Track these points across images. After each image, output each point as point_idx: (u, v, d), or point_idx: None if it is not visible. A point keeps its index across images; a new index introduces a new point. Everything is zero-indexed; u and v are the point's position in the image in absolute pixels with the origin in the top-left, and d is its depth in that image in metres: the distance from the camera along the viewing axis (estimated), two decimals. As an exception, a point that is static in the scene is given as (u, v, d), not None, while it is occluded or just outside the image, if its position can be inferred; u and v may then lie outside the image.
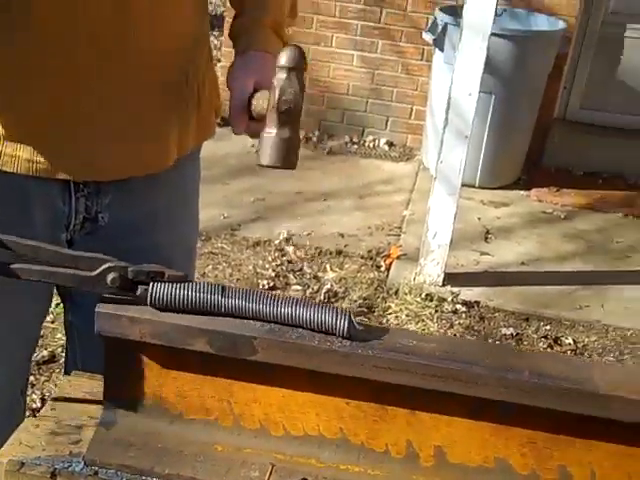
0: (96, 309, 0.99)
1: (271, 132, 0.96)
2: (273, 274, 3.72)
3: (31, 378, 2.81)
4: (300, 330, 0.98)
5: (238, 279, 3.67)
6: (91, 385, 1.17)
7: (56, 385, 2.76)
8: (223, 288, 0.99)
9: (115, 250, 1.31)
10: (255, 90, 1.23)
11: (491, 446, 1.00)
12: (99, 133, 1.26)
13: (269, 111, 0.96)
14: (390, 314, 3.49)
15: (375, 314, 3.50)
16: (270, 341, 0.97)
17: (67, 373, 1.55)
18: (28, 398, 2.64)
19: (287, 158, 0.97)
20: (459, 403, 0.98)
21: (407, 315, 3.47)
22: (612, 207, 4.61)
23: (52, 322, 3.07)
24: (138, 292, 0.99)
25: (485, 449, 1.01)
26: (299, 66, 0.96)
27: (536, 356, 0.99)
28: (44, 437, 1.08)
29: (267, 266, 3.78)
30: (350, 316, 0.98)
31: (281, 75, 0.95)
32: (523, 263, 3.93)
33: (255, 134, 1.24)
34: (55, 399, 1.15)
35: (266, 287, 3.62)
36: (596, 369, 0.97)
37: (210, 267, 3.73)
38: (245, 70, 1.28)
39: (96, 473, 1.02)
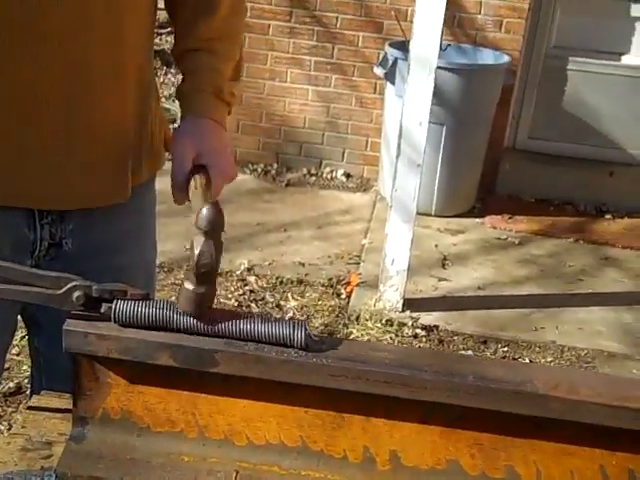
0: (64, 326, 1.03)
1: (189, 287, 1.03)
2: (236, 303, 3.75)
3: (-3, 410, 2.81)
4: (257, 344, 1.03)
5: (201, 309, 3.69)
6: (60, 403, 1.21)
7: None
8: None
9: (79, 272, 1.36)
10: (195, 166, 1.33)
11: (442, 448, 1.06)
12: (66, 166, 1.32)
13: (188, 268, 1.04)
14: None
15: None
16: (230, 354, 1.02)
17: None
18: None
19: (201, 309, 1.04)
20: (410, 409, 1.04)
21: (368, 340, 3.52)
22: (563, 232, 4.72)
23: (17, 354, 3.08)
24: (102, 309, 1.03)
25: (436, 452, 1.06)
26: (217, 227, 1.01)
27: (481, 361, 1.05)
28: (16, 453, 1.11)
29: (230, 296, 3.81)
30: (306, 327, 1.03)
31: (199, 238, 1.01)
32: (480, 288, 4.01)
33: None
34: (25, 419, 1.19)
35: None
36: (536, 371, 1.04)
37: (173, 298, 3.74)
38: (185, 138, 1.36)
39: (67, 486, 1.06)
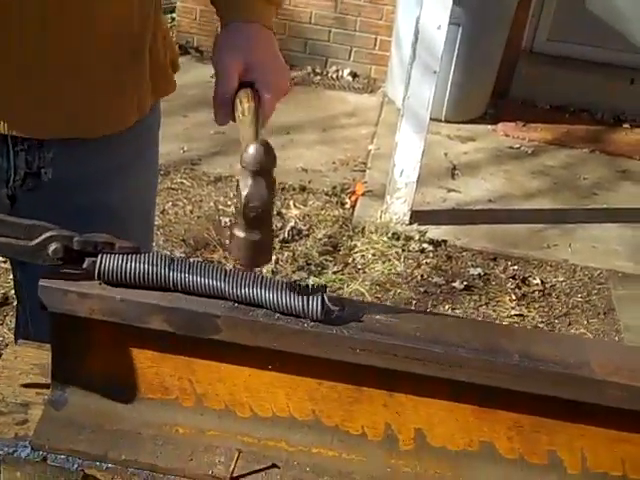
0: (40, 282, 0.89)
1: (239, 235, 0.87)
2: (235, 211, 3.60)
3: (-17, 322, 2.70)
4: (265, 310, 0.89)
5: (199, 216, 3.55)
6: (39, 356, 1.07)
7: (9, 330, 2.65)
8: (182, 262, 0.89)
9: (61, 209, 1.20)
10: (241, 81, 1.11)
11: (475, 429, 0.93)
12: (38, 92, 1.14)
13: (237, 212, 0.88)
14: (356, 253, 3.41)
15: (340, 253, 3.42)
16: (235, 320, 0.88)
17: (17, 337, 1.45)
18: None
19: (255, 259, 0.90)
20: (441, 384, 0.90)
21: (373, 255, 3.39)
22: (578, 142, 4.54)
23: (4, 262, 2.94)
24: (85, 265, 0.88)
25: (469, 432, 0.93)
26: (266, 167, 0.86)
27: (527, 336, 0.91)
28: (-14, 417, 0.98)
29: (229, 202, 3.66)
30: (323, 295, 0.88)
31: (246, 180, 0.85)
32: (490, 200, 3.86)
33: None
34: (-1, 373, 1.05)
35: (228, 224, 3.51)
36: (592, 351, 0.90)
37: (170, 204, 3.60)
38: (230, 50, 1.15)
39: (44, 459, 0.93)
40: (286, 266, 3.28)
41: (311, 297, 0.87)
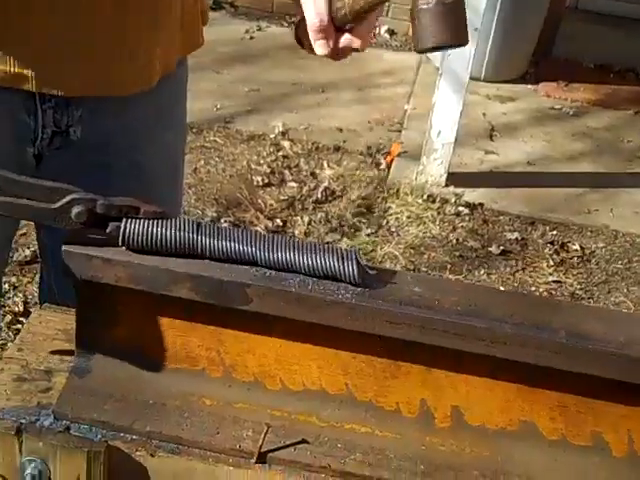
0: (63, 247, 0.85)
1: (429, 1, 0.74)
2: (268, 170, 3.57)
3: (13, 279, 2.70)
4: (301, 276, 0.85)
5: (231, 175, 3.52)
6: (64, 321, 1.04)
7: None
8: (210, 227, 0.85)
9: (88, 169, 1.16)
10: None
11: (516, 408, 0.89)
12: (68, 48, 1.10)
13: None
14: (390, 215, 3.36)
15: (374, 215, 3.38)
16: (266, 289, 0.84)
17: (41, 299, 1.43)
18: (9, 301, 2.54)
19: (456, 31, 0.75)
20: (481, 361, 0.86)
21: (408, 217, 3.34)
22: (623, 103, 4.42)
23: (35, 220, 2.94)
24: (109, 229, 0.85)
25: (509, 411, 0.89)
26: None
27: (574, 311, 0.86)
28: (9, 384, 0.96)
29: (262, 162, 3.62)
30: (358, 258, 0.84)
31: None
32: (529, 163, 3.78)
33: (346, 52, 1.03)
34: (23, 338, 1.03)
35: (261, 184, 3.48)
36: (644, 329, 0.85)
37: (202, 162, 3.57)
38: None
39: (68, 429, 0.91)
40: (319, 227, 3.24)
41: (346, 259, 0.83)
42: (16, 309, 2.55)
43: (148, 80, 1.17)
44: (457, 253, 3.20)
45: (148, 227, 0.84)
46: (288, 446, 0.90)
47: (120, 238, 0.84)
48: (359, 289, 0.84)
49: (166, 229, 0.84)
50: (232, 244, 0.84)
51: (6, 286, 2.66)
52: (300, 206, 3.35)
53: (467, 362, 0.86)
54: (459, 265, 3.13)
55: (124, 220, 0.84)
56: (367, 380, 0.90)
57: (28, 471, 0.89)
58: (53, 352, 1.00)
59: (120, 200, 0.85)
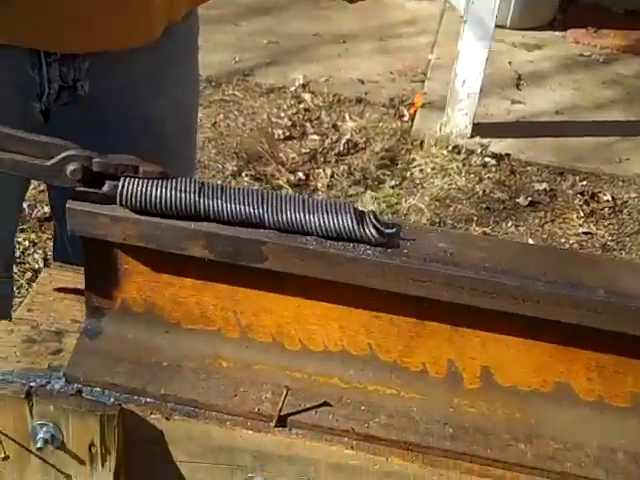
0: (67, 205, 0.81)
1: None
2: (289, 123, 3.50)
3: (32, 236, 2.68)
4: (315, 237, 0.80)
5: (251, 129, 3.46)
6: (76, 280, 1.00)
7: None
8: (213, 187, 0.80)
9: (97, 125, 1.12)
10: None
11: (550, 369, 0.84)
12: (67, 4, 1.04)
13: None
14: (414, 167, 3.30)
15: (398, 167, 3.31)
16: (282, 247, 0.79)
17: (55, 257, 1.40)
18: (29, 258, 2.51)
19: None
20: (513, 320, 0.81)
21: (433, 169, 3.27)
22: (654, 50, 4.29)
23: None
24: (105, 189, 0.80)
25: (543, 372, 0.84)
26: None
27: (612, 267, 0.81)
28: (19, 345, 0.92)
29: (282, 114, 3.55)
30: (376, 217, 0.79)
31: None
32: (558, 112, 3.68)
33: None
34: (33, 297, 0.99)
35: (282, 137, 3.42)
36: (689, 284, 0.79)
37: (222, 116, 3.51)
38: None
39: (79, 392, 0.87)
40: (342, 180, 3.18)
41: (363, 221, 0.78)
42: (36, 266, 2.53)
43: (150, 32, 1.12)
44: (484, 205, 3.14)
45: (147, 187, 0.79)
46: (309, 409, 0.86)
47: (117, 199, 0.80)
48: (380, 247, 0.79)
49: (167, 190, 0.79)
50: (238, 206, 0.79)
51: (26, 243, 2.64)
52: (322, 159, 3.29)
53: (498, 321, 0.82)
54: (486, 217, 3.07)
55: (122, 179, 0.80)
56: (391, 340, 0.86)
57: (40, 435, 0.86)
58: (58, 290, 0.97)
59: (117, 158, 0.80)
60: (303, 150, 3.32)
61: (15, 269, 2.46)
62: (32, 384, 0.87)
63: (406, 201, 3.08)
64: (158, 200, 0.79)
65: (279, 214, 0.79)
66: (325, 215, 0.78)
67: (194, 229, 0.80)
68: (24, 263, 2.52)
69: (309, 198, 0.80)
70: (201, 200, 0.79)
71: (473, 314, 0.81)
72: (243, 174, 3.13)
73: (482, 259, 0.79)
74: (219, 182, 0.81)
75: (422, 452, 0.84)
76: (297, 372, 0.88)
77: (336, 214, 0.78)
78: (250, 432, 0.85)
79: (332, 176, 3.17)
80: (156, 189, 0.79)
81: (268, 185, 3.10)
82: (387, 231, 0.78)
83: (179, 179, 0.80)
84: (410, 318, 0.84)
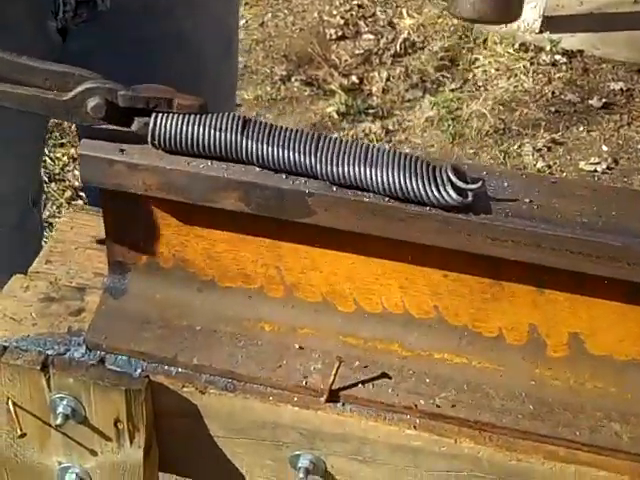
0: (79, 149, 0.69)
1: None
2: (341, 22, 3.32)
3: (71, 151, 2.59)
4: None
5: (301, 29, 3.28)
6: (100, 227, 0.90)
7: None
8: (260, 128, 0.68)
9: (126, 44, 1.00)
10: None
11: (653, 338, 0.72)
12: None
13: None
14: (477, 68, 3.11)
15: (459, 68, 3.13)
16: (333, 200, 0.67)
17: (87, 193, 1.30)
18: (69, 174, 2.43)
19: (506, 6, 0.59)
20: (613, 283, 0.68)
21: (497, 69, 3.08)
22: None
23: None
24: (134, 127, 0.68)
25: (644, 341, 0.72)
26: None
27: None
28: (36, 305, 0.83)
29: (334, 12, 3.37)
30: (455, 174, 0.65)
31: None
32: (637, 1, 3.42)
33: None
34: (52, 247, 0.89)
35: (334, 37, 3.24)
36: None
37: (270, 15, 3.34)
38: None
39: (102, 361, 0.78)
40: (398, 84, 3.02)
41: (440, 180, 0.65)
42: (76, 183, 2.45)
43: None
44: (553, 108, 2.95)
45: (183, 125, 0.67)
46: (365, 382, 0.75)
47: (149, 137, 0.68)
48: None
49: (206, 128, 0.67)
50: (287, 152, 0.67)
51: (65, 159, 2.55)
52: (377, 60, 3.12)
53: (593, 283, 0.69)
54: (555, 122, 2.89)
55: (153, 115, 0.68)
56: (462, 302, 0.74)
57: (60, 410, 0.77)
58: (86, 264, 0.86)
59: (148, 89, 0.68)
60: (357, 51, 3.15)
61: (54, 187, 2.39)
62: (49, 352, 0.78)
63: (467, 106, 2.91)
64: (196, 140, 0.67)
65: (335, 165, 0.66)
66: (391, 171, 0.65)
67: (227, 178, 0.68)
68: (63, 180, 2.45)
69: (373, 148, 0.67)
70: (244, 142, 0.67)
71: (563, 275, 0.69)
72: (293, 79, 2.98)
73: (578, 212, 0.66)
74: (264, 120, 0.69)
75: (497, 433, 0.73)
76: (351, 337, 0.77)
77: (405, 171, 0.65)
78: (297, 409, 0.75)
79: (387, 79, 3.01)
80: (193, 126, 0.67)
81: (320, 90, 2.95)
82: (470, 187, 0.65)
83: (220, 115, 0.68)
84: (485, 278, 0.72)
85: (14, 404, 0.79)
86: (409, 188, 0.64)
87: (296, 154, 0.66)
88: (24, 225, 1.29)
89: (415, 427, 0.74)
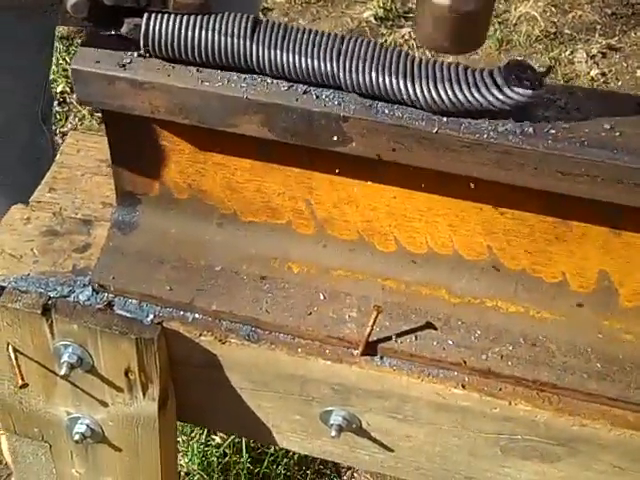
0: (72, 64, 0.60)
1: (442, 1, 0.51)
2: None
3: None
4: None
5: None
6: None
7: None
8: (272, 31, 0.58)
9: None
10: None
11: None
12: None
13: None
14: (527, -34, 2.92)
15: (507, -34, 2.94)
16: (372, 125, 0.57)
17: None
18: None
19: (461, 41, 0.54)
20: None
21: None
22: None
23: None
24: (124, 29, 0.59)
25: None
26: None
27: None
28: (37, 240, 0.75)
29: None
30: (528, 71, 0.56)
31: None
32: None
33: None
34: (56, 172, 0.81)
35: None
36: None
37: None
38: None
39: (110, 305, 0.70)
40: (441, -16, 2.84)
41: (489, 79, 0.55)
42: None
43: None
44: (609, 10, 2.77)
45: (182, 28, 0.58)
46: (407, 333, 0.67)
47: (142, 42, 0.58)
48: (512, 123, 0.57)
49: (208, 32, 0.58)
50: (304, 59, 0.57)
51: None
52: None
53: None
54: (611, 26, 2.72)
55: (145, 16, 0.58)
56: (520, 243, 0.65)
57: (65, 358, 0.70)
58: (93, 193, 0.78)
59: None
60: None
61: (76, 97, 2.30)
62: (51, 294, 0.70)
63: (516, 8, 2.74)
64: (197, 46, 0.57)
65: (362, 74, 0.56)
66: (433, 83, 0.55)
67: (248, 100, 0.59)
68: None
69: (407, 55, 0.57)
70: (255, 48, 0.57)
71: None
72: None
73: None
74: (277, 21, 0.59)
75: (558, 394, 0.65)
76: (391, 281, 0.69)
77: (450, 82, 0.55)
78: (329, 363, 0.67)
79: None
80: (194, 30, 0.57)
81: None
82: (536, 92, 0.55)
83: (226, 15, 0.58)
84: (549, 217, 0.63)
85: (15, 350, 0.72)
86: (458, 97, 0.55)
87: (315, 61, 0.56)
88: (34, 142, 1.21)
89: (464, 386, 0.66)
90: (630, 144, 0.55)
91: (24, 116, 1.16)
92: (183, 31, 0.57)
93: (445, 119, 0.56)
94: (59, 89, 2.29)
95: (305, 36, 0.58)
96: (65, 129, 2.18)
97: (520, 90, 0.55)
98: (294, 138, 0.60)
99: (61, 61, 2.31)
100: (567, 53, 2.61)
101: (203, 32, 0.57)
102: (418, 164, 0.58)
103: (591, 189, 0.56)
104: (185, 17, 0.58)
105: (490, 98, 0.55)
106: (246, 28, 0.57)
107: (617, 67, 2.57)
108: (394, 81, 0.56)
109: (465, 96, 0.55)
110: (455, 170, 0.58)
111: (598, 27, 2.71)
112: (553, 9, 2.77)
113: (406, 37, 2.63)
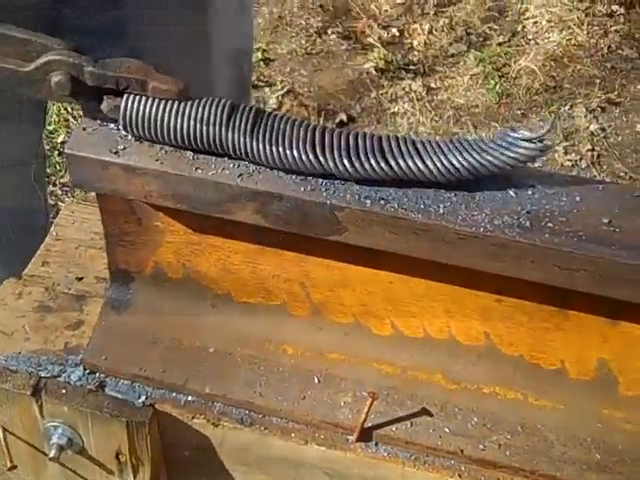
0: (66, 148, 0.60)
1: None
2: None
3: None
4: (409, 190, 0.57)
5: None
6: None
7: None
8: (249, 117, 0.58)
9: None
10: None
11: None
12: None
13: None
14: (527, 19, 2.94)
15: (507, 19, 2.97)
16: (368, 215, 0.57)
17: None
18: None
19: None
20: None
21: (549, 21, 2.92)
22: None
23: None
24: (104, 107, 0.59)
25: None
26: None
27: None
28: (29, 316, 0.75)
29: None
30: (526, 138, 0.55)
31: None
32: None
33: None
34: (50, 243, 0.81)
35: (373, -16, 3.09)
36: None
37: None
38: None
39: (101, 386, 0.69)
40: (441, 37, 2.87)
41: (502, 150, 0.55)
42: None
43: None
44: (608, 65, 2.79)
45: (158, 113, 0.57)
46: (403, 419, 0.66)
47: (121, 122, 0.58)
48: (509, 215, 0.56)
49: (184, 118, 0.57)
50: (283, 149, 0.57)
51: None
52: (419, 11, 2.97)
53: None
54: (610, 80, 2.74)
55: (125, 97, 0.58)
56: (518, 330, 0.64)
57: (54, 440, 0.69)
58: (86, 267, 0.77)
59: (118, 66, 0.58)
60: (397, 0, 3.00)
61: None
62: (42, 374, 0.69)
63: (516, 62, 2.76)
64: (171, 131, 0.57)
65: (345, 159, 0.56)
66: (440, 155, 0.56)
67: (241, 186, 0.58)
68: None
69: (390, 137, 0.57)
70: (229, 135, 0.57)
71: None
72: (329, 31, 2.85)
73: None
74: (254, 106, 0.59)
75: (557, 485, 0.64)
76: (387, 365, 0.68)
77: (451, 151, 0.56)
78: (323, 448, 0.66)
79: (430, 32, 2.86)
80: (169, 116, 0.57)
81: (357, 44, 2.82)
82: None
83: (201, 101, 0.58)
84: (548, 306, 0.62)
85: (4, 430, 0.71)
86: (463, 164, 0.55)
87: (294, 151, 0.56)
88: (27, 203, 1.21)
89: (460, 475, 0.65)
90: (628, 239, 0.54)
91: (15, 173, 1.15)
92: (159, 116, 0.57)
93: (442, 210, 0.56)
94: (59, 139, 2.29)
95: (282, 124, 0.58)
96: (64, 179, 2.19)
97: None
98: (288, 226, 0.59)
99: (62, 111, 2.32)
100: (567, 107, 2.63)
101: (179, 118, 0.57)
102: (414, 255, 0.58)
103: (589, 283, 0.55)
104: (162, 102, 0.57)
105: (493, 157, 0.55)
106: (222, 114, 0.57)
107: (617, 122, 2.59)
108: (375, 161, 0.56)
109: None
110: (451, 261, 0.57)
111: (597, 81, 2.73)
112: (552, 63, 2.79)
113: (406, 89, 2.64)
